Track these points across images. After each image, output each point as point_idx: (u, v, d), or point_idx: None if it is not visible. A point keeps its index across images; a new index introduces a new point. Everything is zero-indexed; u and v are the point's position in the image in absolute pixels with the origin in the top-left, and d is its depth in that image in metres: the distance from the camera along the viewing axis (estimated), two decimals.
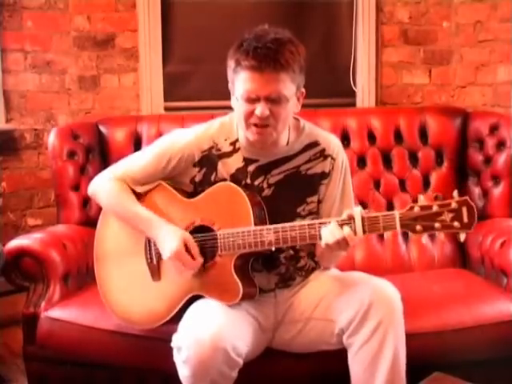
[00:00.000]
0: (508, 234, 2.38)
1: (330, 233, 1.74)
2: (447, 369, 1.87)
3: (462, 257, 2.64)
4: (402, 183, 2.73)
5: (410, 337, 1.84)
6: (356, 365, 1.82)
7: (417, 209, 1.66)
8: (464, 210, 1.63)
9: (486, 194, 2.69)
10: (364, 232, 1.71)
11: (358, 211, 1.72)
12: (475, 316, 2.12)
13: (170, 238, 1.87)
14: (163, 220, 1.93)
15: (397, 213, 1.69)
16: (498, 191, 2.66)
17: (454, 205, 1.64)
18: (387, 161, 2.77)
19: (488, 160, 2.69)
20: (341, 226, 1.73)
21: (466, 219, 1.63)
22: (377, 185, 2.74)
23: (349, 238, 1.71)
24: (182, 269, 1.87)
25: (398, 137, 2.77)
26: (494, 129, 2.69)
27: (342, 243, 1.73)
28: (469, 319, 2.11)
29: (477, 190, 2.71)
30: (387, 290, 1.85)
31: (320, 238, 1.76)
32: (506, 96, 3.16)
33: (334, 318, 1.87)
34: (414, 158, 2.76)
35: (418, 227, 1.66)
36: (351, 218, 1.72)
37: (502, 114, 2.82)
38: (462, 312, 2.14)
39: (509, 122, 2.66)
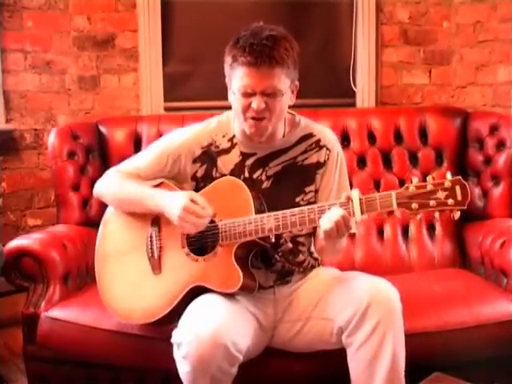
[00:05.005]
0: (508, 234, 2.38)
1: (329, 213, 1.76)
2: (447, 369, 1.88)
3: (462, 257, 2.64)
4: (402, 183, 2.71)
5: (410, 337, 1.84)
6: (355, 364, 1.83)
7: (412, 188, 1.71)
8: (457, 188, 1.68)
9: (485, 194, 2.69)
10: (362, 212, 1.74)
11: (355, 193, 1.75)
12: (475, 316, 2.12)
13: (176, 200, 1.88)
14: (166, 190, 1.96)
15: (393, 192, 1.73)
16: (498, 191, 2.66)
17: (447, 184, 1.69)
18: (387, 161, 2.77)
19: (488, 160, 2.69)
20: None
21: (459, 197, 1.68)
22: (377, 185, 2.75)
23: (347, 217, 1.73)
24: (197, 223, 1.86)
25: (398, 137, 2.78)
26: (494, 129, 2.69)
27: (342, 221, 1.73)
28: (469, 319, 2.11)
29: (477, 190, 2.70)
30: (386, 290, 1.85)
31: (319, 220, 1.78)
32: (506, 96, 3.16)
33: (333, 317, 1.87)
34: (414, 158, 2.76)
35: (414, 205, 1.70)
36: (349, 200, 1.75)
37: (502, 115, 2.82)
38: (462, 312, 2.14)
39: (509, 122, 2.66)
